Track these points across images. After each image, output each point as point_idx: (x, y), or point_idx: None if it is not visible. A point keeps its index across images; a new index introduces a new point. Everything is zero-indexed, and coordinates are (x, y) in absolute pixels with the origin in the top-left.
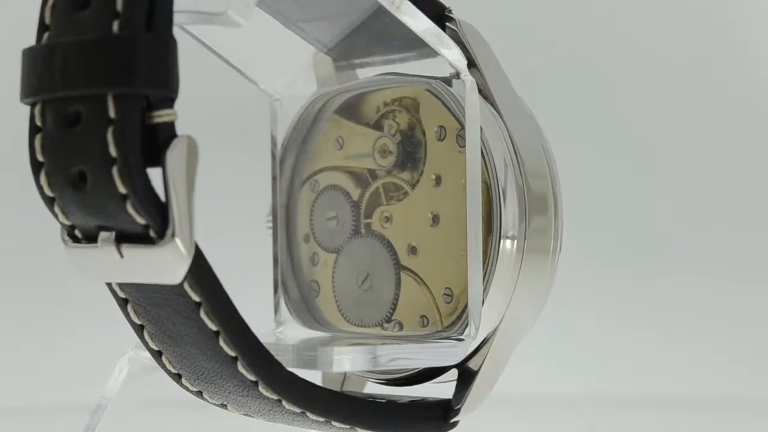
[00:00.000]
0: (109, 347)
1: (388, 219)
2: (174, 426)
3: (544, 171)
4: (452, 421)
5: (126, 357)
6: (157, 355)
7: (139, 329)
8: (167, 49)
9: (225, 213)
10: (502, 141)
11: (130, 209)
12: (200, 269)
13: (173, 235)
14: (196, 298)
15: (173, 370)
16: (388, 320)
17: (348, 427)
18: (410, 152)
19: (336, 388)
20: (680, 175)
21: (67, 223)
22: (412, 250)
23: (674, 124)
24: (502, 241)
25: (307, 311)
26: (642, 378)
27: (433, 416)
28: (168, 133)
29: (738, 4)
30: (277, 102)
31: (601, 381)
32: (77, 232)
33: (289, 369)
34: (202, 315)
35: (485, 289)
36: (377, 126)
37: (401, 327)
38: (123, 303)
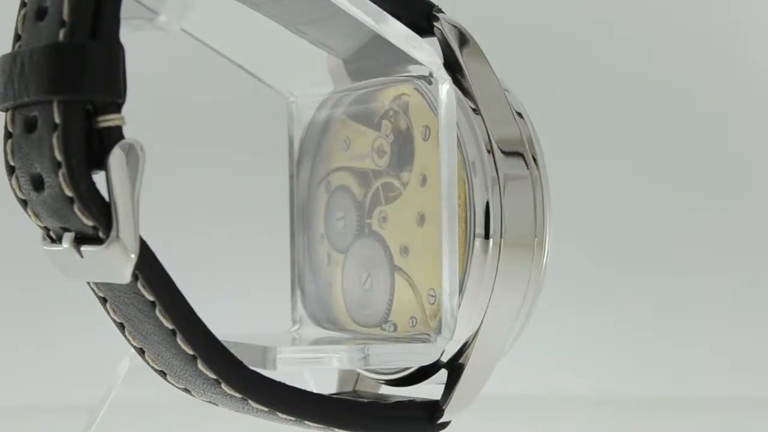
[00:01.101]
0: (108, 347)
1: (384, 219)
2: (175, 426)
3: (524, 169)
4: (440, 422)
5: (128, 355)
6: (141, 352)
7: (120, 327)
8: (112, 56)
9: (251, 214)
10: (476, 140)
11: (77, 211)
12: (150, 269)
13: (117, 236)
14: (150, 297)
15: (157, 367)
16: (386, 321)
17: (322, 426)
18: (402, 152)
19: (349, 387)
20: (680, 174)
21: (40, 224)
22: (404, 251)
23: (674, 124)
24: (475, 239)
25: (321, 311)
26: (642, 378)
27: (418, 417)
28: (114, 137)
29: (739, 4)
30: (293, 104)
31: (600, 381)
32: (51, 233)
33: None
34: (158, 314)
35: (461, 290)
36: (377, 126)
37: (395, 328)
38: (102, 301)
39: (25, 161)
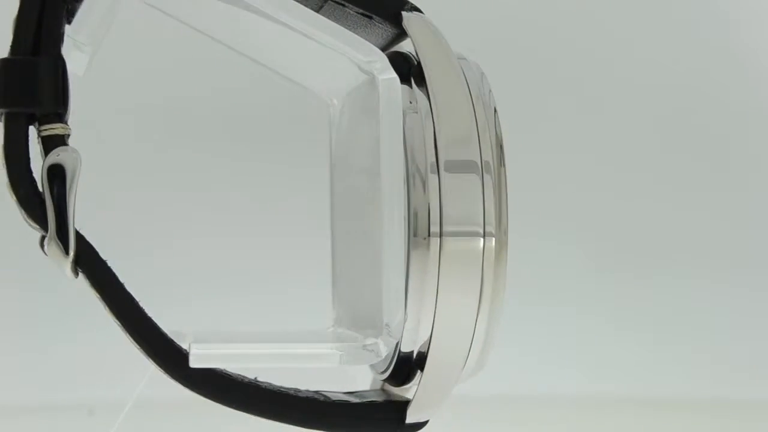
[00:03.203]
0: (109, 348)
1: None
2: (176, 426)
3: (473, 166)
4: (410, 422)
5: None
6: None
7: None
8: (52, 70)
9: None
10: (424, 141)
11: (24, 214)
12: (91, 267)
13: (52, 236)
14: (96, 294)
15: None
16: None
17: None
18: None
19: (377, 386)
20: (680, 175)
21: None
22: None
23: (675, 124)
24: (411, 238)
25: (347, 311)
26: (642, 378)
27: (389, 417)
28: (54, 145)
29: (738, 4)
30: (330, 107)
31: (600, 382)
32: None
33: None
34: (105, 309)
35: (406, 289)
36: (371, 123)
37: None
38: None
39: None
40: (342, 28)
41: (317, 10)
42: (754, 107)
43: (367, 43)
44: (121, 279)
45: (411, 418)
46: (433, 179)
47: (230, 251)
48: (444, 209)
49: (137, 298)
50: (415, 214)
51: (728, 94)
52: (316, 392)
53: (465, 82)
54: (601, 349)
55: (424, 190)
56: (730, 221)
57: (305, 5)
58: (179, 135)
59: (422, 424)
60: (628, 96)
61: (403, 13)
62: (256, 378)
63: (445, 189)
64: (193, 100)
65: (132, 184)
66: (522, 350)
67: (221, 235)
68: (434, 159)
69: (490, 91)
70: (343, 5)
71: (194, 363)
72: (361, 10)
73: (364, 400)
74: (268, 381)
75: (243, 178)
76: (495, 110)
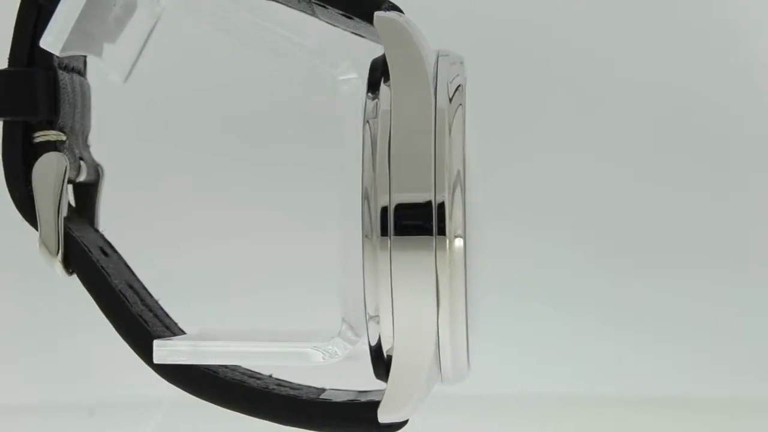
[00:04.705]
0: (109, 348)
1: None
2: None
3: (426, 165)
4: (385, 422)
5: None
6: None
7: None
8: (44, 80)
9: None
10: (378, 138)
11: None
12: (82, 267)
13: (40, 238)
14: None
15: None
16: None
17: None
18: None
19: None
20: (681, 176)
21: None
22: None
23: (675, 125)
24: (364, 238)
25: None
26: (641, 378)
27: (365, 417)
28: (44, 151)
29: (738, 4)
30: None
31: (600, 382)
32: None
33: None
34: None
35: (364, 288)
36: None
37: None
38: None
39: None
40: (323, 30)
41: (313, 12)
42: (754, 107)
43: (344, 43)
44: (141, 276)
45: (384, 418)
46: (384, 179)
47: (246, 250)
48: (394, 209)
49: (158, 297)
50: (367, 215)
51: (728, 95)
52: (319, 390)
53: (433, 77)
54: (601, 348)
55: (375, 190)
56: (730, 221)
57: (298, 7)
58: (187, 134)
59: (400, 424)
60: (628, 96)
61: (376, 12)
62: (271, 375)
63: (396, 189)
64: (204, 100)
65: (147, 184)
66: (521, 350)
67: (242, 233)
68: (386, 158)
69: (457, 75)
70: (324, 6)
71: (157, 359)
72: (341, 11)
73: (349, 399)
74: (280, 378)
75: (270, 180)
76: (458, 88)
